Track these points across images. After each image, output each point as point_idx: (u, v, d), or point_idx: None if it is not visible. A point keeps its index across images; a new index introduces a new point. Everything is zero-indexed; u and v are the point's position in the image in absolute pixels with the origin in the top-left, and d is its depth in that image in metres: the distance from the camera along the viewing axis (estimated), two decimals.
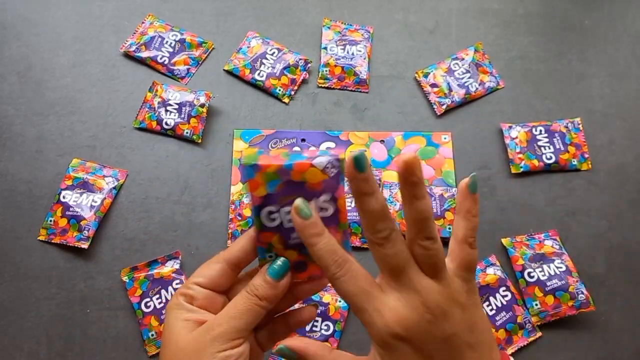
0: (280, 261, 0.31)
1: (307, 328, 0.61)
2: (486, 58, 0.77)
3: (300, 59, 0.74)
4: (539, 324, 0.62)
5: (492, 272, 0.63)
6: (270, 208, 0.30)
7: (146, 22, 0.77)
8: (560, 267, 0.63)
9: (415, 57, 0.77)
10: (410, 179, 0.28)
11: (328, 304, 0.61)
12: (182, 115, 0.69)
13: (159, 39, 0.75)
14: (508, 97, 0.75)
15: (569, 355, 0.61)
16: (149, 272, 0.62)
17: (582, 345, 0.62)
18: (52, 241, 0.63)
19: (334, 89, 0.75)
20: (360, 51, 0.76)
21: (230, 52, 0.76)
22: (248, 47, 0.76)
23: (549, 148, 0.70)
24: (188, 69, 0.74)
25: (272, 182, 0.29)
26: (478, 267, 0.64)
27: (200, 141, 0.70)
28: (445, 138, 0.72)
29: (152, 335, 0.60)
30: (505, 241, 0.66)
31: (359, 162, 0.28)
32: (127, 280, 0.62)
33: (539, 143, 0.70)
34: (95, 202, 0.65)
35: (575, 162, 0.70)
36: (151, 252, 0.64)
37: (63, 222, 0.64)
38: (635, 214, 0.69)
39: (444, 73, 0.74)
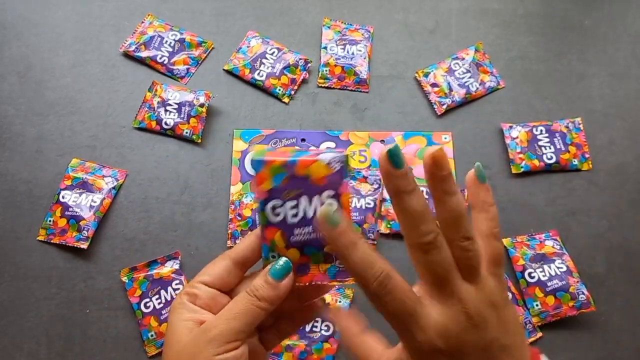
0: (282, 261, 0.30)
1: (307, 328, 0.61)
2: (486, 58, 0.77)
3: (300, 59, 0.74)
4: (539, 324, 0.62)
5: None
6: (275, 202, 0.30)
7: (146, 21, 0.77)
8: (561, 268, 0.63)
9: (416, 57, 0.77)
10: (439, 173, 0.26)
11: (328, 304, 0.61)
12: (182, 115, 0.69)
13: (159, 39, 0.75)
14: (508, 97, 0.75)
15: (569, 355, 0.61)
16: (149, 273, 0.62)
17: (582, 345, 0.62)
18: (52, 241, 0.63)
19: (334, 88, 0.74)
20: (360, 51, 0.76)
21: (230, 51, 0.76)
22: (248, 46, 0.75)
23: (550, 148, 0.70)
24: (188, 69, 0.74)
25: (278, 175, 0.29)
26: None
27: (200, 141, 0.70)
28: (445, 138, 0.72)
29: (152, 335, 0.60)
30: (505, 241, 0.66)
31: (395, 157, 0.25)
32: (127, 281, 0.62)
33: (540, 143, 0.70)
34: (95, 202, 0.65)
35: (575, 162, 0.70)
36: (151, 252, 0.64)
37: (62, 222, 0.64)
38: (635, 214, 0.69)
39: (444, 73, 0.74)
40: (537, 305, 0.61)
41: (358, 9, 0.80)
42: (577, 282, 0.62)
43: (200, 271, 0.32)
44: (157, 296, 0.61)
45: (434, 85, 0.74)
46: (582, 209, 0.69)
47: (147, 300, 0.61)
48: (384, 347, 0.31)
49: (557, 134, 0.71)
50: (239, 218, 0.65)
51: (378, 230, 0.66)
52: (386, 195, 0.68)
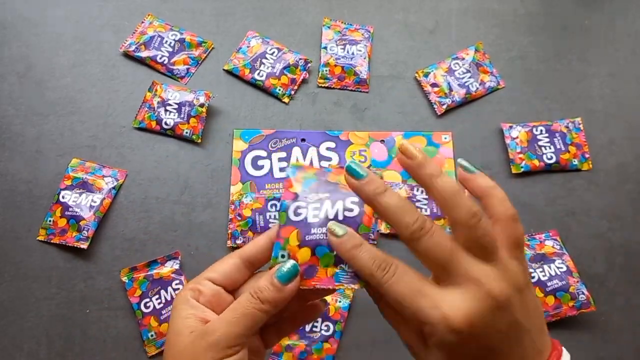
0: (289, 264, 0.29)
1: (307, 328, 0.61)
2: (486, 58, 0.77)
3: (300, 59, 0.74)
4: None
5: None
6: (299, 204, 0.31)
7: (146, 21, 0.77)
8: (561, 268, 0.63)
9: (416, 57, 0.77)
10: (413, 162, 0.27)
11: (328, 304, 0.61)
12: (182, 115, 0.69)
13: (159, 39, 0.75)
14: (508, 97, 0.75)
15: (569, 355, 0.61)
16: (149, 273, 0.62)
17: (582, 345, 0.62)
18: (52, 241, 0.63)
19: (334, 88, 0.74)
20: (360, 51, 0.76)
21: (230, 51, 0.76)
22: (248, 46, 0.75)
23: (550, 148, 0.70)
24: (188, 69, 0.74)
25: (308, 181, 0.32)
26: None
27: (200, 141, 0.70)
28: (445, 138, 0.72)
29: (152, 335, 0.60)
30: None
31: (354, 171, 0.28)
32: (127, 281, 0.62)
33: (540, 143, 0.70)
34: (95, 202, 0.64)
35: (575, 162, 0.70)
36: (151, 252, 0.64)
37: (62, 222, 0.63)
38: (635, 214, 0.69)
39: (444, 73, 0.74)
40: None
41: (358, 9, 0.80)
42: (577, 282, 0.62)
43: (207, 268, 0.32)
44: (157, 296, 0.61)
45: (434, 85, 0.74)
46: (582, 209, 0.69)
47: (147, 300, 0.61)
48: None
49: (557, 134, 0.71)
50: (239, 218, 0.65)
51: (378, 230, 0.66)
52: None
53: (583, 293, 0.61)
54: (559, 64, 0.77)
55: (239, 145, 0.70)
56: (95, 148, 0.69)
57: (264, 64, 0.74)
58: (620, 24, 0.81)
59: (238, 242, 0.65)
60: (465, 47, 0.77)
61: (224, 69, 0.75)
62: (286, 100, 0.73)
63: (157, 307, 0.61)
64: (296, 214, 0.31)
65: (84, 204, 0.64)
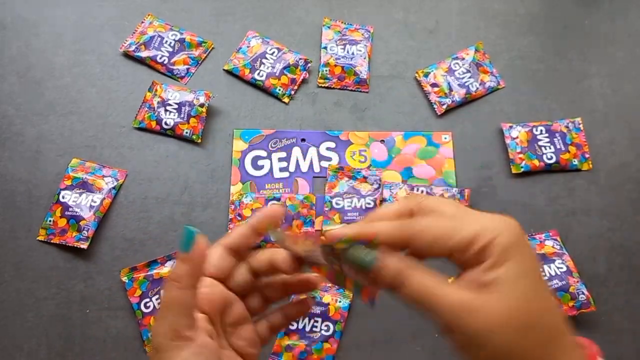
0: (184, 231, 0.27)
1: (307, 328, 0.61)
2: (486, 58, 0.77)
3: (300, 59, 0.74)
4: None
5: None
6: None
7: (146, 21, 0.77)
8: (561, 268, 0.63)
9: (415, 57, 0.77)
10: (336, 236, 0.27)
11: (328, 304, 0.61)
12: (182, 115, 0.69)
13: (159, 39, 0.75)
14: (508, 97, 0.75)
15: None
16: (149, 273, 0.62)
17: None
18: (52, 241, 0.63)
19: (334, 88, 0.74)
20: (360, 51, 0.75)
21: (230, 51, 0.76)
22: (248, 46, 0.75)
23: (550, 148, 0.70)
24: (188, 69, 0.74)
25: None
26: None
27: (200, 141, 0.70)
28: (445, 138, 0.72)
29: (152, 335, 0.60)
30: None
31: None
32: (127, 281, 0.62)
33: (540, 143, 0.70)
34: (95, 202, 0.64)
35: (575, 162, 0.70)
36: (151, 252, 0.64)
37: (62, 222, 0.63)
38: (635, 214, 0.69)
39: (444, 73, 0.74)
40: None
41: (358, 9, 0.80)
42: (577, 282, 0.62)
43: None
44: (157, 296, 0.61)
45: (434, 85, 0.74)
46: (582, 209, 0.69)
47: (147, 300, 0.61)
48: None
49: (557, 134, 0.71)
50: (239, 218, 0.65)
51: None
52: (386, 195, 0.68)
53: (583, 293, 0.61)
54: (559, 64, 0.77)
55: (239, 145, 0.70)
56: (95, 148, 0.69)
57: (264, 64, 0.74)
58: (620, 24, 0.81)
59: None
60: (465, 47, 0.77)
61: (224, 69, 0.75)
62: (286, 100, 0.73)
63: (158, 307, 0.61)
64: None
65: (84, 204, 0.64)
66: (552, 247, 0.65)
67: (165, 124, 0.69)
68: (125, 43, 0.75)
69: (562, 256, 0.64)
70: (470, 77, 0.74)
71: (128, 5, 0.78)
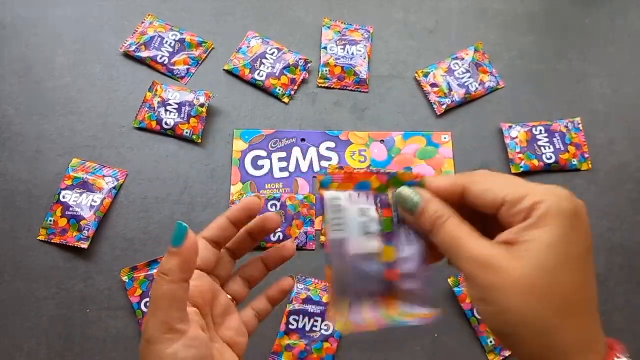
0: (177, 226, 0.28)
1: (307, 328, 0.61)
2: (486, 58, 0.77)
3: (300, 59, 0.74)
4: None
5: None
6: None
7: (146, 22, 0.77)
8: None
9: (415, 57, 0.77)
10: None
11: (328, 304, 0.61)
12: (182, 115, 0.69)
13: (159, 39, 0.75)
14: (508, 97, 0.75)
15: None
16: (149, 272, 0.62)
17: None
18: (52, 241, 0.63)
19: (334, 89, 0.75)
20: (360, 51, 0.76)
21: (230, 52, 0.76)
22: (248, 47, 0.75)
23: (549, 148, 0.70)
24: (188, 69, 0.74)
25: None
26: None
27: (200, 141, 0.70)
28: (445, 138, 0.72)
29: None
30: None
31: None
32: (127, 280, 0.62)
33: (539, 143, 0.70)
34: (95, 202, 0.65)
35: (575, 162, 0.70)
36: (151, 252, 0.64)
37: (63, 222, 0.64)
38: (635, 214, 0.69)
39: (444, 73, 0.74)
40: None
41: (358, 9, 0.81)
42: None
43: None
44: None
45: (433, 85, 0.74)
46: None
47: (148, 300, 0.61)
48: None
49: (556, 134, 0.71)
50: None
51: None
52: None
53: None
54: (559, 64, 0.77)
55: (239, 145, 0.70)
56: (95, 148, 0.69)
57: (264, 64, 0.74)
58: (620, 24, 0.81)
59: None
60: (465, 47, 0.77)
61: (224, 69, 0.75)
62: (286, 100, 0.73)
63: None
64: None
65: (85, 203, 0.64)
66: None
67: (166, 124, 0.69)
68: (125, 43, 0.75)
69: None
70: (470, 77, 0.74)
71: (128, 5, 0.78)
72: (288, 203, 0.66)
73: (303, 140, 0.71)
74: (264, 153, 0.70)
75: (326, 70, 0.74)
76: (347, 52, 0.75)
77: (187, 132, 0.69)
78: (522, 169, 0.69)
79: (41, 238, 0.64)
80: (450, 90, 0.73)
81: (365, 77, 0.74)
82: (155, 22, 0.76)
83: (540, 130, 0.71)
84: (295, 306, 0.61)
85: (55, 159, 0.68)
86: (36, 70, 0.73)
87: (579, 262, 0.26)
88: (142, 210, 0.66)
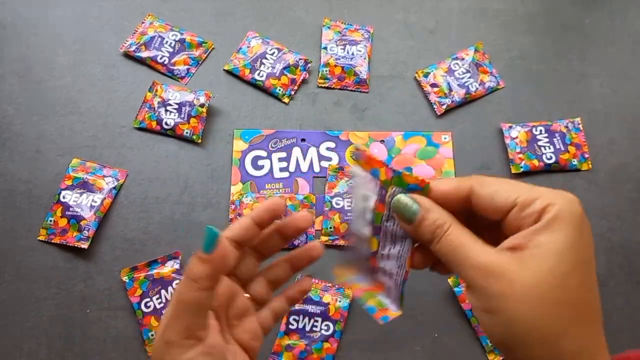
0: (207, 231, 0.27)
1: (307, 328, 0.61)
2: (486, 58, 0.77)
3: (300, 59, 0.74)
4: None
5: None
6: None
7: (146, 22, 0.77)
8: None
9: (415, 57, 0.77)
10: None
11: (328, 304, 0.61)
12: (182, 115, 0.69)
13: (159, 39, 0.75)
14: (508, 97, 0.75)
15: None
16: (149, 272, 0.62)
17: None
18: (52, 241, 0.63)
19: (334, 89, 0.75)
20: (360, 51, 0.76)
21: (230, 52, 0.76)
22: (248, 47, 0.75)
23: (549, 148, 0.70)
24: (188, 69, 0.74)
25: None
26: None
27: (200, 141, 0.70)
28: (445, 138, 0.72)
29: (152, 335, 0.60)
30: None
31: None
32: (127, 280, 0.62)
33: (539, 143, 0.70)
34: (95, 202, 0.65)
35: (575, 162, 0.70)
36: (151, 252, 0.64)
37: (63, 222, 0.64)
38: (635, 214, 0.69)
39: (444, 73, 0.74)
40: None
41: (358, 9, 0.81)
42: None
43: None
44: (157, 296, 0.61)
45: (433, 85, 0.74)
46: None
47: (148, 300, 0.61)
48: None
49: (556, 134, 0.71)
50: (239, 218, 0.65)
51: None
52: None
53: None
54: (559, 64, 0.78)
55: (239, 145, 0.70)
56: (95, 148, 0.69)
57: (264, 64, 0.74)
58: (620, 24, 0.81)
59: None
60: (465, 47, 0.77)
61: (224, 69, 0.75)
62: (286, 100, 0.73)
63: (158, 306, 0.61)
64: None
65: (85, 203, 0.64)
66: None
67: (166, 124, 0.69)
68: (125, 43, 0.75)
69: None
70: (470, 77, 0.74)
71: (128, 5, 0.78)
72: (288, 203, 0.66)
73: (303, 140, 0.71)
74: (264, 153, 0.70)
75: (326, 70, 0.74)
76: (347, 52, 0.75)
77: (187, 132, 0.69)
78: (522, 169, 0.69)
79: (41, 238, 0.64)
80: (450, 90, 0.73)
81: (365, 77, 0.74)
82: (155, 22, 0.76)
83: (540, 130, 0.71)
84: (296, 306, 0.61)
85: (55, 159, 0.68)
86: (36, 70, 0.73)
87: (586, 268, 0.25)
88: (142, 210, 0.66)
